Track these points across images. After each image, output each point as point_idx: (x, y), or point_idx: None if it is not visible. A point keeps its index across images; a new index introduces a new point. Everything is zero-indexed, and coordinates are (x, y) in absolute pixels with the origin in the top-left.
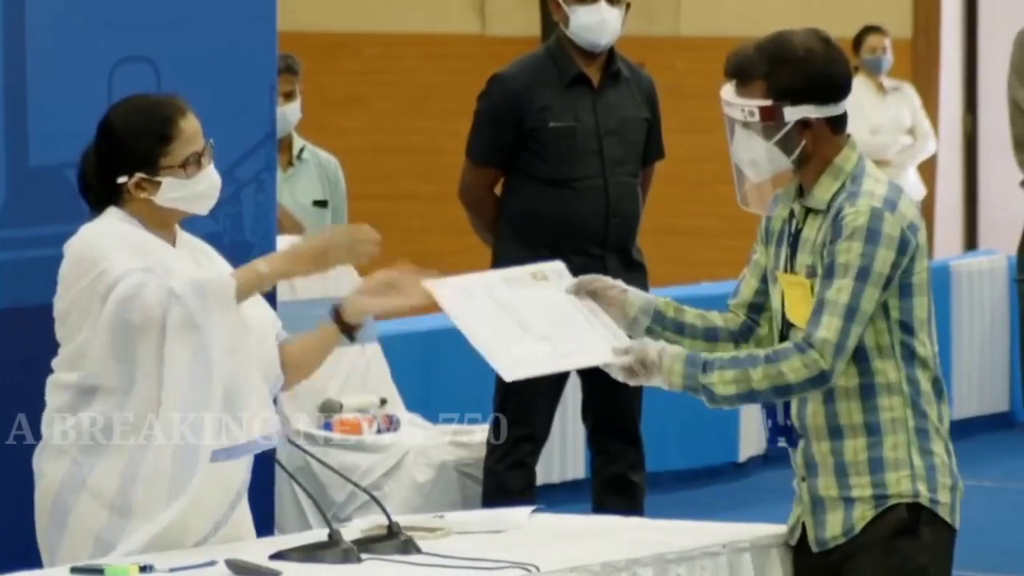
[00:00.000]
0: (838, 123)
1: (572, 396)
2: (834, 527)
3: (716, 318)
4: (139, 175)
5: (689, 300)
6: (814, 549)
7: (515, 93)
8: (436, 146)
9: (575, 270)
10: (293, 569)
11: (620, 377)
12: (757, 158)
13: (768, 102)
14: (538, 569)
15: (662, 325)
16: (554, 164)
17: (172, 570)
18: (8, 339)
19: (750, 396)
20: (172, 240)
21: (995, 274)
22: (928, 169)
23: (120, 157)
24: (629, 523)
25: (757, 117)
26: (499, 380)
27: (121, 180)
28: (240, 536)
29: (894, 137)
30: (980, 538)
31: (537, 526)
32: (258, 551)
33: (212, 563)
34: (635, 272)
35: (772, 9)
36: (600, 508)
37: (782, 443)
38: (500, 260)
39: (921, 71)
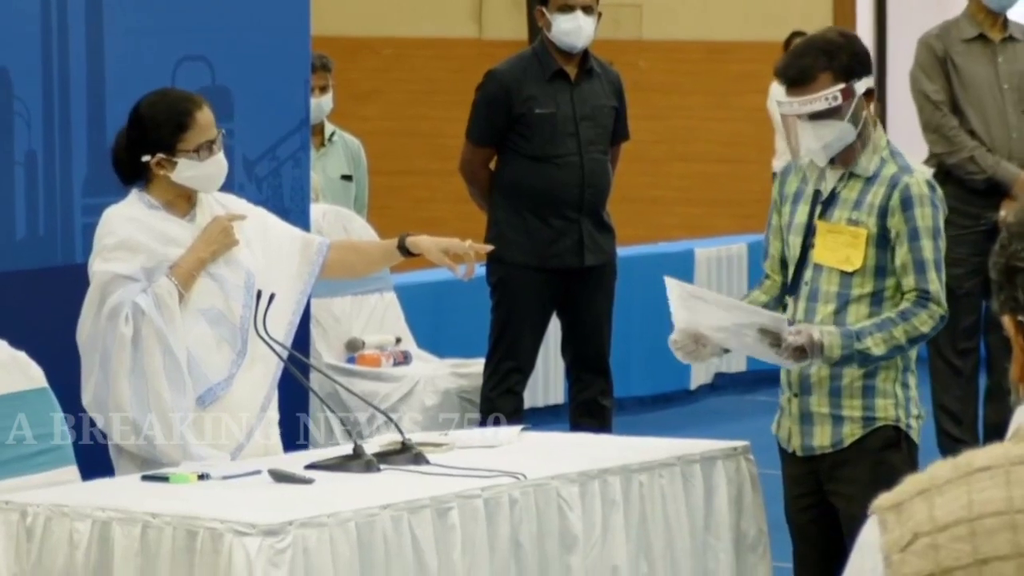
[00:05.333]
0: (872, 93)
1: (553, 334)
2: (822, 438)
3: (763, 297)
4: (160, 155)
5: (649, 257)
6: (799, 454)
7: (506, 86)
8: (441, 130)
9: (555, 233)
10: (324, 477)
11: (788, 359)
12: (832, 141)
13: (842, 85)
14: (525, 477)
15: None
16: (538, 144)
17: (225, 477)
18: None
19: (894, 351)
20: (184, 213)
21: None
22: None
23: (145, 140)
24: (600, 440)
25: (840, 99)
26: (493, 322)
27: (145, 159)
28: (270, 449)
29: None
30: None
31: (524, 442)
32: (295, 462)
33: (257, 472)
34: (605, 234)
35: (717, 19)
36: (576, 428)
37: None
38: (493, 224)
39: None
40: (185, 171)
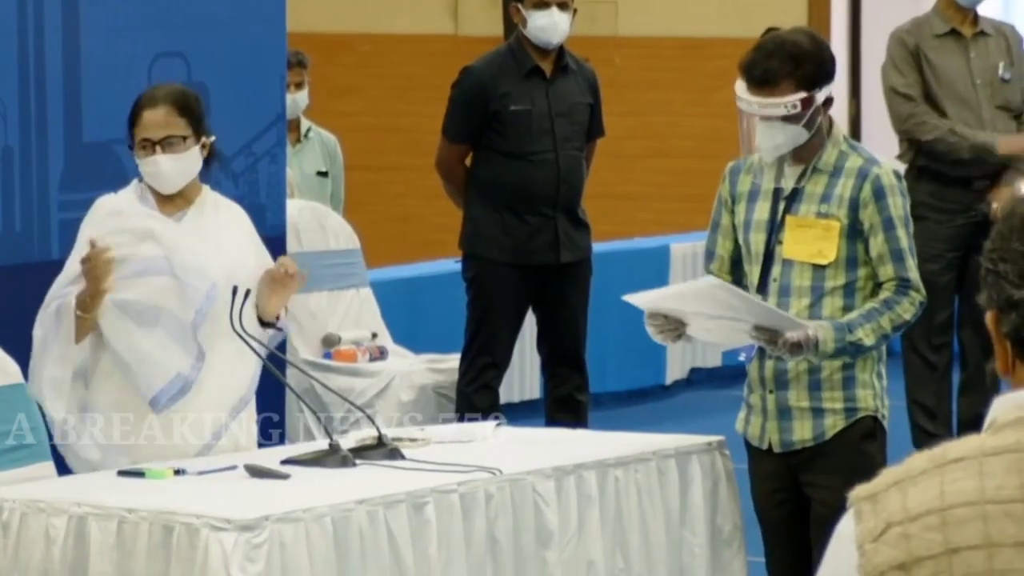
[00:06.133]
0: (830, 101)
1: (529, 330)
2: (802, 432)
3: None
4: (129, 144)
5: (624, 253)
6: (777, 450)
7: (482, 82)
8: (417, 127)
9: (530, 229)
10: (300, 472)
11: (787, 352)
12: (783, 142)
13: (803, 94)
14: (501, 472)
15: None
16: (514, 140)
17: (200, 473)
18: None
19: (882, 340)
20: (173, 211)
21: None
22: None
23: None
24: (575, 435)
25: (799, 108)
26: (469, 318)
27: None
28: (246, 444)
29: None
30: None
31: (500, 437)
32: (271, 457)
33: (233, 467)
34: (581, 230)
35: (693, 15)
36: (552, 423)
37: (741, 357)
38: (469, 220)
39: None
40: (139, 166)
